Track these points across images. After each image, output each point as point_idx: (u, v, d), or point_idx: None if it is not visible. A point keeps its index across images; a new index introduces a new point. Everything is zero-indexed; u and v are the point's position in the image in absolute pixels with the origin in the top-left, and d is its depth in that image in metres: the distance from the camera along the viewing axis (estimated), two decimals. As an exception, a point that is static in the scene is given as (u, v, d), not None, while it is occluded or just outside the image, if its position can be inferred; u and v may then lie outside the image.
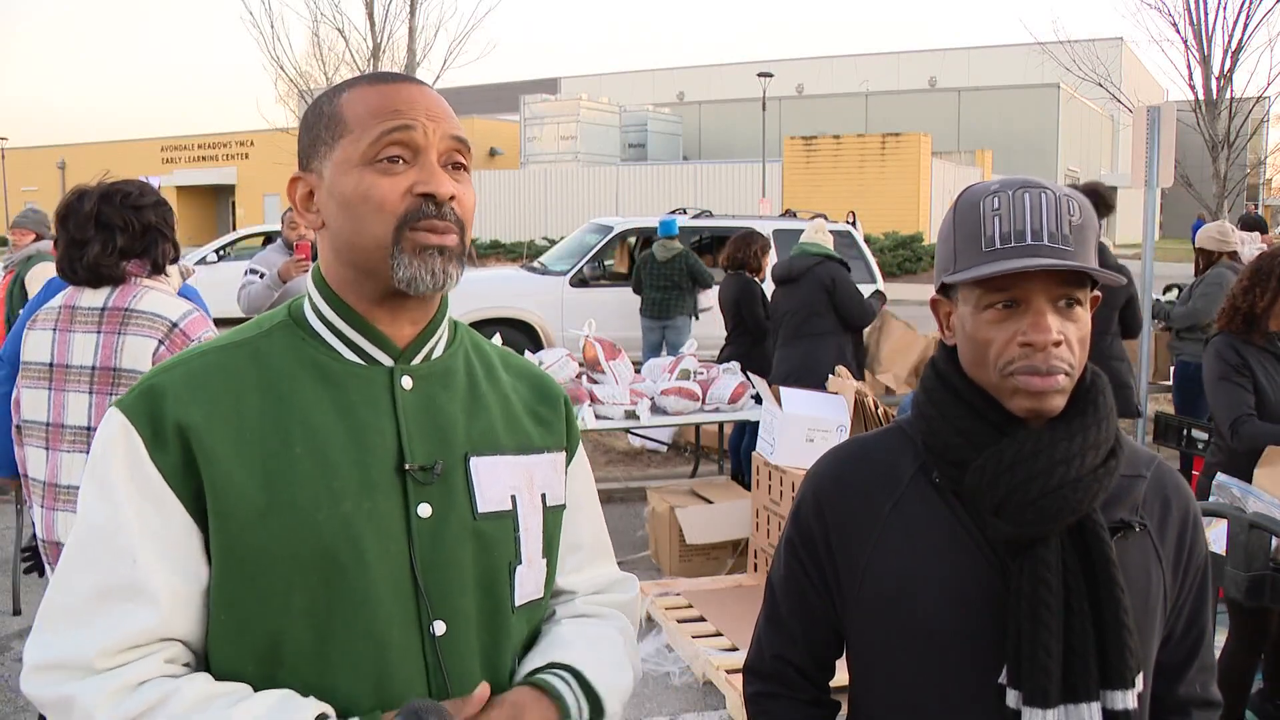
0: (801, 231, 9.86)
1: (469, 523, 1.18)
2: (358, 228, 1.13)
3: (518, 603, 1.22)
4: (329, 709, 1.07)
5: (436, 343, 1.23)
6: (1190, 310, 6.17)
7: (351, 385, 1.16)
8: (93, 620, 1.05)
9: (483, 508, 1.19)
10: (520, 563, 1.22)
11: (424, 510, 1.15)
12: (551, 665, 1.22)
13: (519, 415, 1.28)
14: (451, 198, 1.15)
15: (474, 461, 1.20)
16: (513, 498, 1.22)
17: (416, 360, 1.21)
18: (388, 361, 1.19)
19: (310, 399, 1.14)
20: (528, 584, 1.23)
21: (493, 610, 1.20)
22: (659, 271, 8.92)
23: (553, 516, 1.28)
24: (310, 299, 1.21)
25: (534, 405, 1.32)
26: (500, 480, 1.22)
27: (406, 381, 1.19)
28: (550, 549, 1.28)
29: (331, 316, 1.18)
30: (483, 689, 1.15)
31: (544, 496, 1.26)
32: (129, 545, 1.06)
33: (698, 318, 9.04)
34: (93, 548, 1.08)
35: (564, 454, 1.32)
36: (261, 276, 5.56)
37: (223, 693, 1.06)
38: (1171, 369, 6.41)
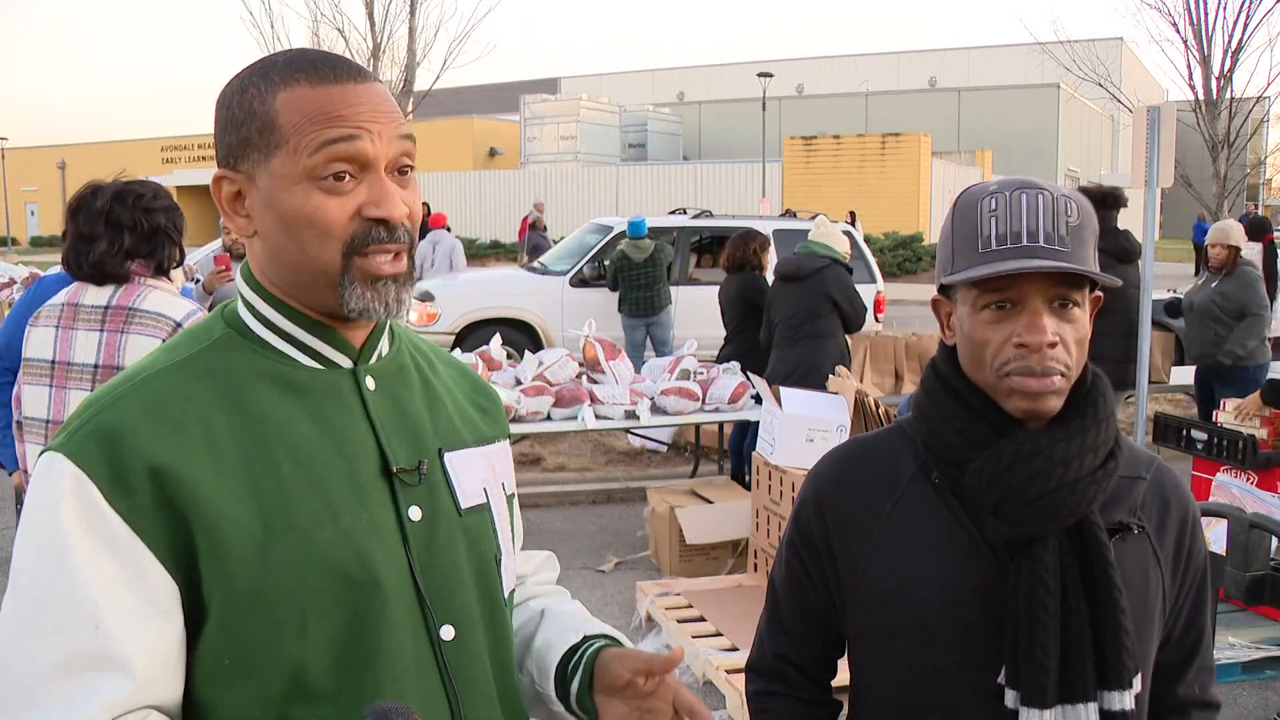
0: (801, 232, 9.93)
1: (457, 520, 1.15)
2: (302, 249, 1.05)
3: (506, 594, 1.22)
4: None
5: (384, 340, 1.18)
6: (1243, 300, 6.12)
7: (318, 392, 1.10)
8: (55, 699, 0.93)
9: (464, 503, 1.16)
10: (502, 554, 1.21)
11: (414, 513, 1.11)
12: (591, 638, 1.23)
13: (465, 407, 1.26)
14: (405, 218, 1.08)
15: (448, 457, 1.17)
16: (485, 490, 1.20)
17: (373, 360, 1.15)
18: (347, 364, 1.13)
19: (282, 412, 1.06)
20: (509, 575, 1.23)
21: (491, 606, 1.18)
22: (638, 271, 9.22)
23: (511, 504, 1.27)
24: (249, 305, 1.11)
25: (474, 396, 1.30)
26: (472, 473, 1.19)
27: (370, 382, 1.13)
28: (515, 536, 1.28)
29: (282, 323, 1.10)
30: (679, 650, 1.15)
31: (503, 485, 1.25)
32: (88, 609, 0.94)
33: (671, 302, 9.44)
34: (43, 617, 0.94)
35: (508, 441, 1.31)
36: None
37: None
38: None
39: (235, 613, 1.00)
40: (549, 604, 1.33)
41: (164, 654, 0.98)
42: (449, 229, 12.68)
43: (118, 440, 0.98)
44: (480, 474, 1.21)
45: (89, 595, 0.95)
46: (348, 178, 1.05)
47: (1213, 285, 6.29)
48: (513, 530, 1.27)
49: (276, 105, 1.05)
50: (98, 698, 0.93)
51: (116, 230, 2.53)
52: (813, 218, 11.07)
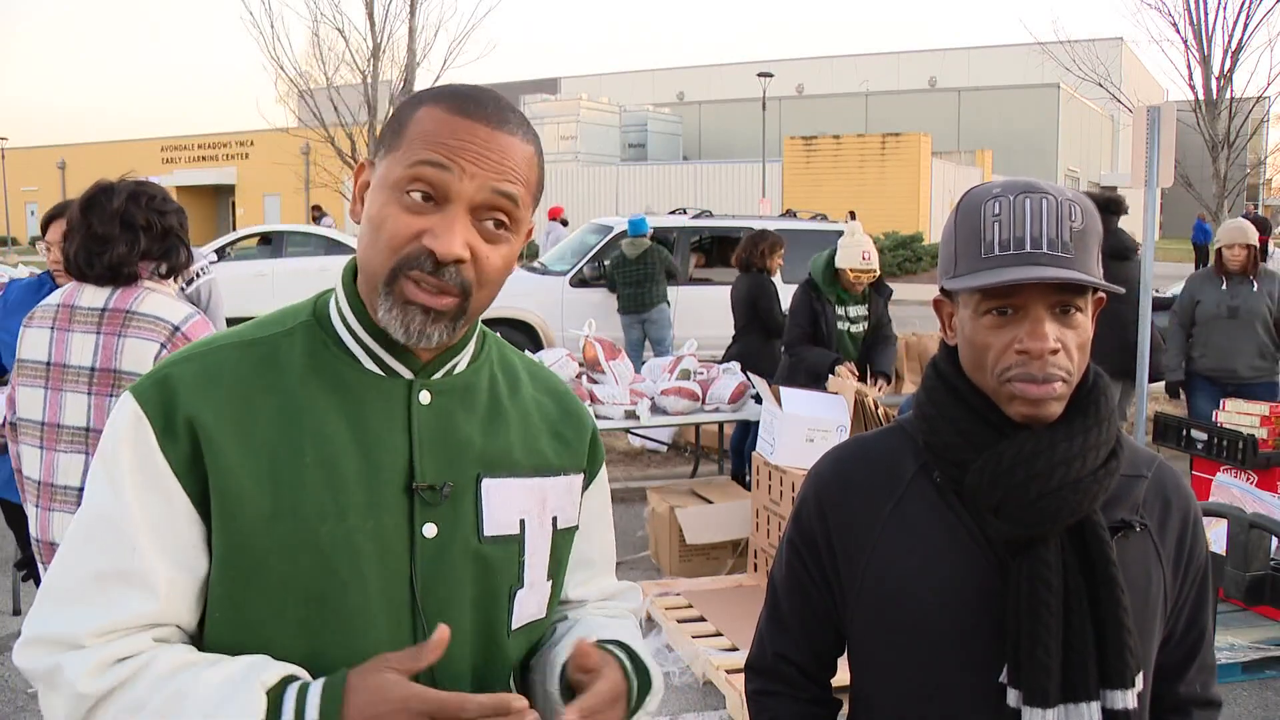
0: (801, 232, 9.92)
1: (472, 545, 1.15)
2: (370, 248, 1.10)
3: (514, 626, 1.20)
4: (300, 670, 1.05)
5: (461, 357, 1.20)
6: None
7: (368, 397, 1.13)
8: (89, 600, 1.05)
9: (489, 531, 1.17)
10: (521, 587, 1.20)
11: (429, 530, 1.13)
12: (604, 642, 1.21)
13: (538, 434, 1.25)
14: (459, 261, 1.07)
15: (486, 483, 1.17)
16: (521, 521, 1.20)
17: (438, 375, 1.17)
18: (408, 375, 1.16)
19: (324, 408, 1.11)
20: (528, 606, 1.22)
21: (487, 633, 1.18)
22: (630, 268, 9.27)
23: (563, 539, 1.25)
24: (337, 300, 1.17)
25: (556, 423, 1.28)
26: (511, 503, 1.19)
27: (424, 396, 1.16)
28: (558, 571, 1.26)
29: (354, 323, 1.15)
30: (442, 630, 1.05)
31: (555, 520, 1.24)
32: (131, 533, 1.06)
33: (669, 304, 9.38)
34: (96, 532, 1.07)
35: (582, 476, 1.29)
36: None
37: (198, 660, 1.05)
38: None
39: (228, 576, 1.08)
40: (590, 616, 1.30)
41: (185, 587, 1.08)
42: (565, 222, 12.96)
43: (174, 390, 1.09)
44: (521, 505, 1.20)
45: (133, 522, 1.06)
46: (430, 201, 1.07)
47: (1253, 290, 5.82)
48: (556, 564, 1.25)
49: (414, 116, 1.11)
50: (124, 606, 1.05)
51: (132, 232, 2.52)
52: (812, 218, 11.11)
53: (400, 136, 1.10)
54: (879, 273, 5.58)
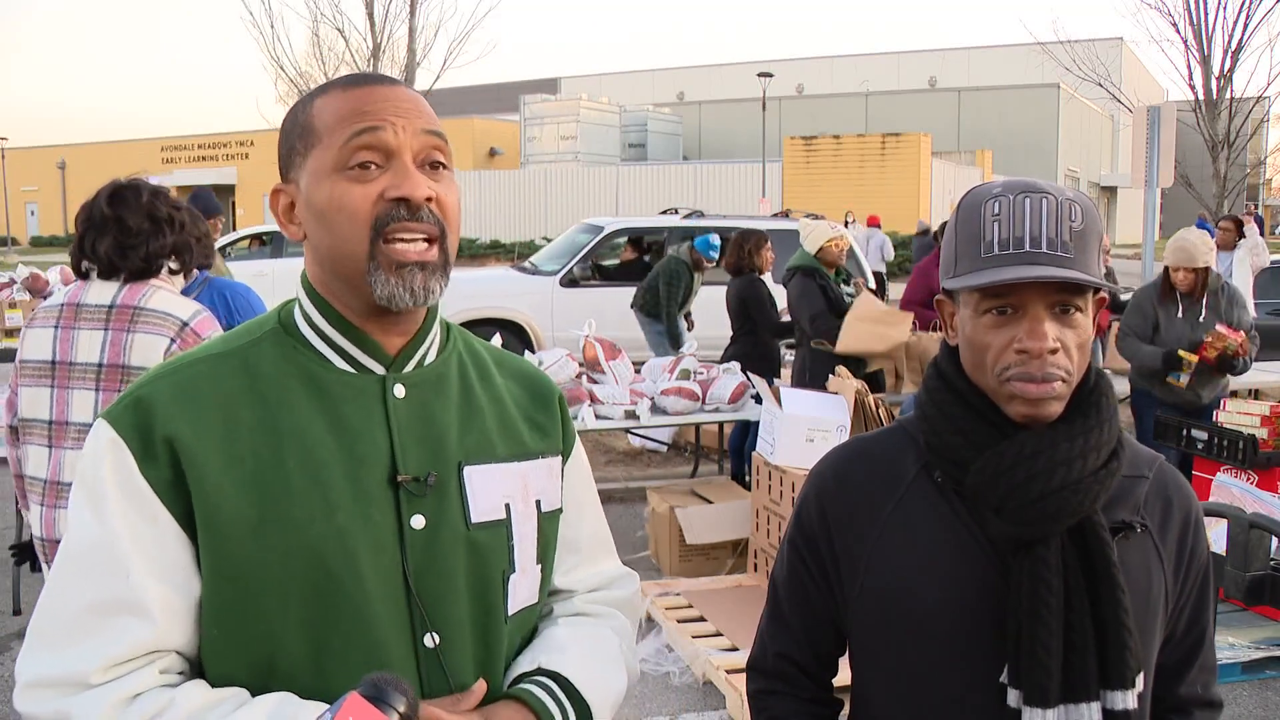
0: (795, 232, 9.88)
1: (462, 533, 1.16)
2: (334, 239, 1.11)
3: (511, 611, 1.21)
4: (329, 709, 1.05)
5: (429, 348, 1.22)
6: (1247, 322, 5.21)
7: (343, 395, 1.15)
8: (87, 636, 1.04)
9: (476, 518, 1.18)
10: (514, 571, 1.21)
11: (417, 521, 1.14)
12: (539, 671, 1.21)
13: (514, 420, 1.27)
14: (429, 199, 1.11)
15: (468, 471, 1.19)
16: (506, 506, 1.21)
17: (409, 368, 1.19)
18: (379, 370, 1.17)
19: (302, 410, 1.12)
20: (521, 592, 1.23)
21: (486, 620, 1.19)
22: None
23: (548, 522, 1.27)
24: (300, 305, 1.19)
25: (529, 409, 1.30)
26: (494, 489, 1.20)
27: (399, 390, 1.17)
28: (546, 554, 1.26)
29: (322, 324, 1.16)
30: (480, 685, 1.14)
31: (539, 503, 1.25)
32: (121, 559, 1.05)
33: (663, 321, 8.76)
34: (84, 562, 1.06)
35: (560, 458, 1.30)
36: None
37: (220, 699, 1.05)
38: None
39: (222, 588, 1.07)
40: (561, 626, 1.29)
41: (180, 609, 1.07)
42: (878, 227, 13.94)
43: (149, 412, 1.08)
44: (504, 490, 1.21)
45: (122, 547, 1.05)
46: (373, 167, 1.11)
47: (1215, 314, 5.19)
48: (544, 547, 1.25)
49: (313, 111, 1.15)
50: (125, 637, 1.04)
51: (158, 225, 2.60)
52: (808, 218, 11.11)
53: (312, 134, 1.13)
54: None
